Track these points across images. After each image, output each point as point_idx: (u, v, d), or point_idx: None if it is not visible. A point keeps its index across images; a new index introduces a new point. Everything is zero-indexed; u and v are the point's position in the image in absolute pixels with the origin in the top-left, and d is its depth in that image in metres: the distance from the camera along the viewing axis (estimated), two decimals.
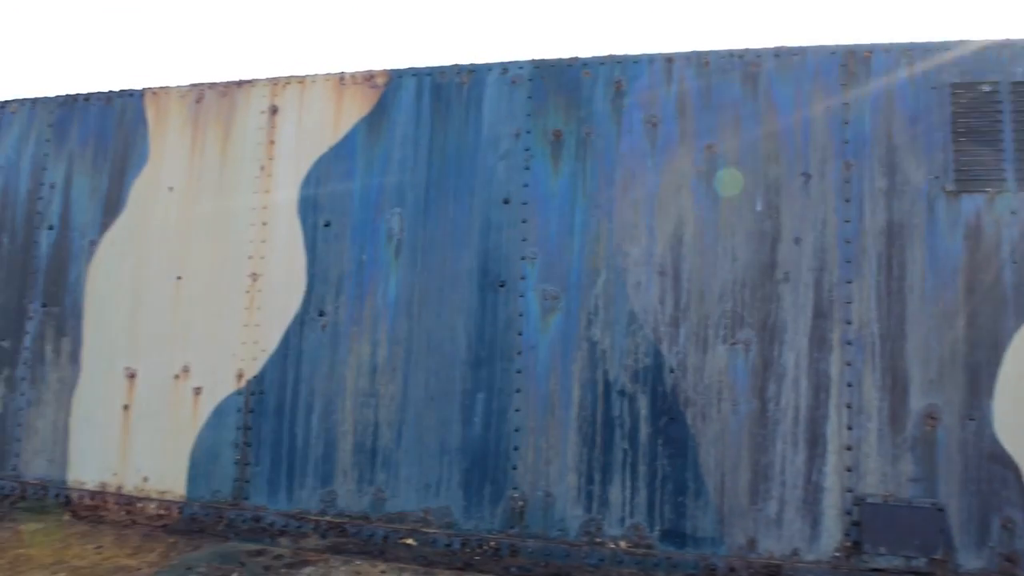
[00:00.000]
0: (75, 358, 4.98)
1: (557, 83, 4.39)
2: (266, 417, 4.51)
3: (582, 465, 4.06)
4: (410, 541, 4.21)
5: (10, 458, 5.06)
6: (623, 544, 3.97)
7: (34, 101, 5.42)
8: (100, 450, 4.83)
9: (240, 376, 4.58)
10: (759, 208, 4.02)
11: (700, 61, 4.20)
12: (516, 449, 4.13)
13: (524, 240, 4.26)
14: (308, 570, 3.97)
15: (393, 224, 4.47)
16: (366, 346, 4.40)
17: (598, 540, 4.01)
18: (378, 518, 4.27)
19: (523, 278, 4.24)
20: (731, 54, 4.19)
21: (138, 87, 5.16)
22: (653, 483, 3.98)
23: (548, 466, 4.10)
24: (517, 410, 4.15)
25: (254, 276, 4.63)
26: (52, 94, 5.41)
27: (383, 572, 3.97)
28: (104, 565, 4.10)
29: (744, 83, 4.13)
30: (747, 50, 4.18)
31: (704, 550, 3.88)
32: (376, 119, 4.61)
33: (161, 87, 5.11)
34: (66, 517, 4.71)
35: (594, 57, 4.38)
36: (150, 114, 5.08)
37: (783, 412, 3.87)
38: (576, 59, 4.39)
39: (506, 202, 4.32)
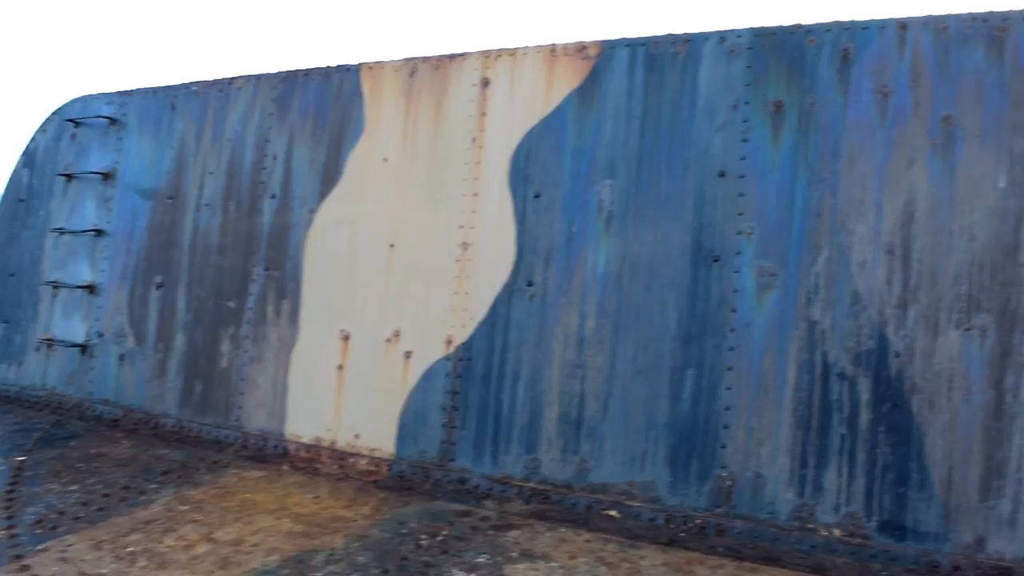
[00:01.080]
0: (294, 319, 5.77)
1: (778, 52, 4.62)
2: (473, 383, 5.07)
3: (796, 448, 4.32)
4: (613, 513, 4.64)
5: (234, 410, 5.94)
6: (837, 532, 4.20)
7: (258, 77, 6.26)
8: (315, 407, 5.59)
9: (449, 342, 5.17)
10: (1002, 184, 4.10)
11: (937, 26, 4.31)
12: (726, 428, 4.45)
13: (740, 214, 4.55)
14: (514, 534, 4.48)
15: (604, 196, 4.88)
16: (574, 318, 4.86)
17: (810, 526, 4.27)
18: (581, 488, 4.73)
19: (738, 253, 4.53)
20: (973, 18, 4.27)
21: (354, 62, 5.87)
22: (872, 471, 4.18)
23: (759, 447, 4.39)
24: (728, 388, 4.46)
25: (464, 246, 5.20)
26: (275, 71, 6.24)
27: (588, 541, 4.41)
28: (323, 514, 4.80)
29: (988, 49, 4.21)
30: (992, 13, 4.24)
31: (926, 545, 4.04)
32: (587, 91, 5.03)
33: (376, 62, 5.78)
34: (285, 467, 5.50)
35: (819, 24, 4.57)
36: (366, 88, 5.76)
37: (1023, 405, 3.96)
38: (799, 26, 4.61)
39: (722, 175, 4.62)
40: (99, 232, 6.76)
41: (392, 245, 5.33)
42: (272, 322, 5.75)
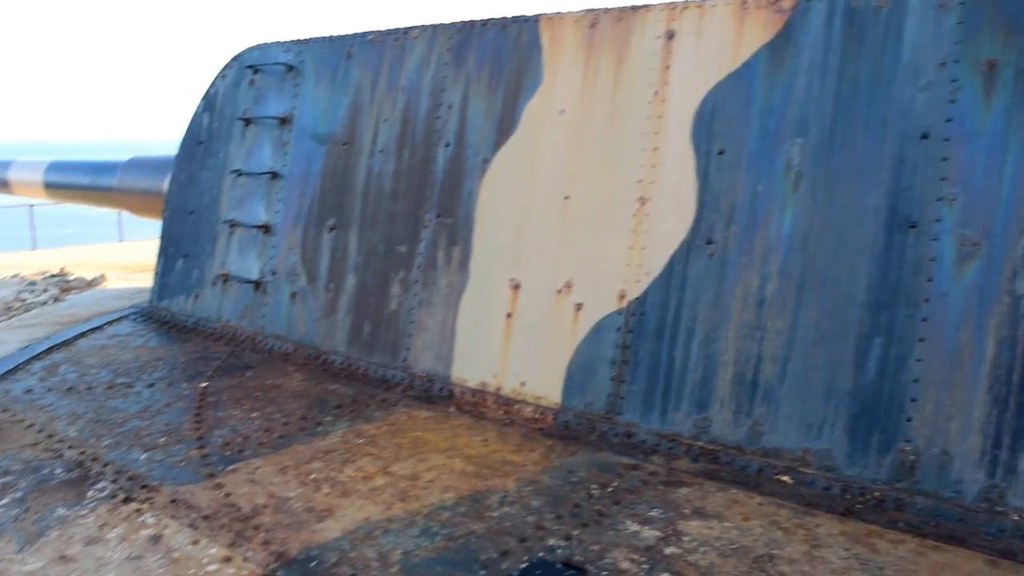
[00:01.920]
0: (464, 266, 5.90)
1: (995, 8, 4.36)
2: (645, 338, 5.09)
3: (989, 427, 4.15)
4: (786, 478, 4.59)
5: (401, 351, 6.15)
6: None
7: (434, 27, 6.35)
8: (482, 353, 5.73)
9: (622, 296, 5.18)
10: None
11: None
12: (913, 401, 4.32)
13: (943, 179, 4.36)
14: (684, 491, 4.49)
15: (793, 155, 4.76)
16: (755, 278, 4.79)
17: (999, 509, 4.11)
18: (753, 451, 4.69)
19: (938, 220, 4.35)
20: None
21: (532, 13, 5.87)
22: None
23: (949, 423, 4.24)
24: (919, 360, 4.32)
25: (642, 200, 5.18)
26: (450, 21, 6.32)
27: (760, 504, 4.38)
28: (492, 457, 4.93)
29: None
30: None
31: None
32: (780, 45, 4.89)
33: (555, 13, 5.77)
34: (451, 409, 5.67)
35: None
36: (544, 39, 5.76)
37: None
38: None
39: (924, 137, 4.42)
40: (275, 175, 7.05)
41: (567, 197, 5.36)
42: (442, 268, 5.89)
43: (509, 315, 5.55)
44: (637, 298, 5.06)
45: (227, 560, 3.73)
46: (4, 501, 4.30)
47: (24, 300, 9.47)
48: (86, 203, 12.79)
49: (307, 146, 6.84)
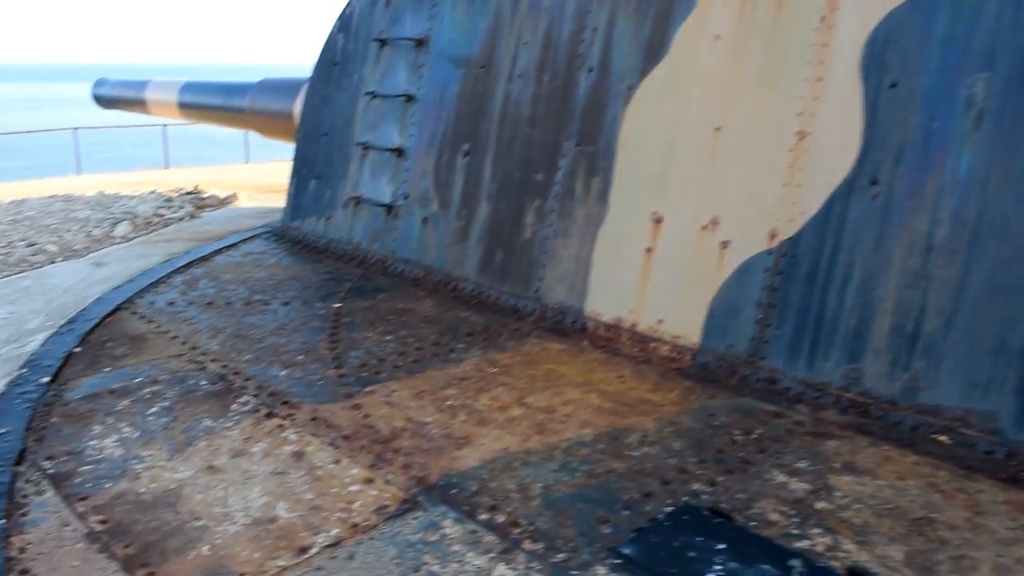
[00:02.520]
0: (603, 197, 5.71)
1: None
2: (795, 281, 4.82)
3: None
4: (943, 438, 4.30)
5: (534, 281, 6.05)
6: None
7: None
8: (619, 287, 5.57)
9: (772, 236, 4.91)
10: None
11: None
12: None
13: None
14: (832, 443, 4.26)
15: (976, 91, 4.34)
16: (923, 224, 4.44)
17: None
18: (908, 407, 4.41)
19: None
20: None
21: None
22: None
23: None
24: None
25: (801, 134, 4.85)
26: None
27: (915, 464, 4.12)
28: (629, 395, 4.80)
29: None
30: None
31: None
32: None
33: None
34: (585, 343, 5.56)
35: None
36: None
37: None
38: None
39: None
40: (409, 98, 6.97)
41: (718, 128, 5.08)
42: (580, 198, 5.73)
43: (649, 250, 5.36)
44: (790, 238, 4.79)
45: (368, 482, 3.75)
46: (154, 410, 4.43)
47: (162, 216, 9.80)
48: (217, 124, 13.08)
49: (443, 69, 6.72)
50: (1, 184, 17.12)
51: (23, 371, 4.90)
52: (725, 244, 5.03)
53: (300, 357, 5.15)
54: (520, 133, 6.14)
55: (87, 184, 15.34)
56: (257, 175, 16.52)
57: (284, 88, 10.75)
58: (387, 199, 7.05)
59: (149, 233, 8.98)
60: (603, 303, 5.58)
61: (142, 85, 14.12)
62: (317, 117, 7.95)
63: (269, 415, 4.37)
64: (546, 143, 5.99)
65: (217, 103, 12.31)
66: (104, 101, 15.29)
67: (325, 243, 7.60)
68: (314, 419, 4.33)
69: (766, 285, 4.85)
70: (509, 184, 6.17)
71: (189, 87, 13.11)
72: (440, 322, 5.80)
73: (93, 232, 9.02)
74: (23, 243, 8.61)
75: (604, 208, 5.63)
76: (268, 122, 11.19)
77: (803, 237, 4.75)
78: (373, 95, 7.28)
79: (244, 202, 11.08)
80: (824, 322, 4.65)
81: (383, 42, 7.25)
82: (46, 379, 4.77)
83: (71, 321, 5.71)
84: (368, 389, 4.72)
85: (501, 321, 5.81)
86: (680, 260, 5.22)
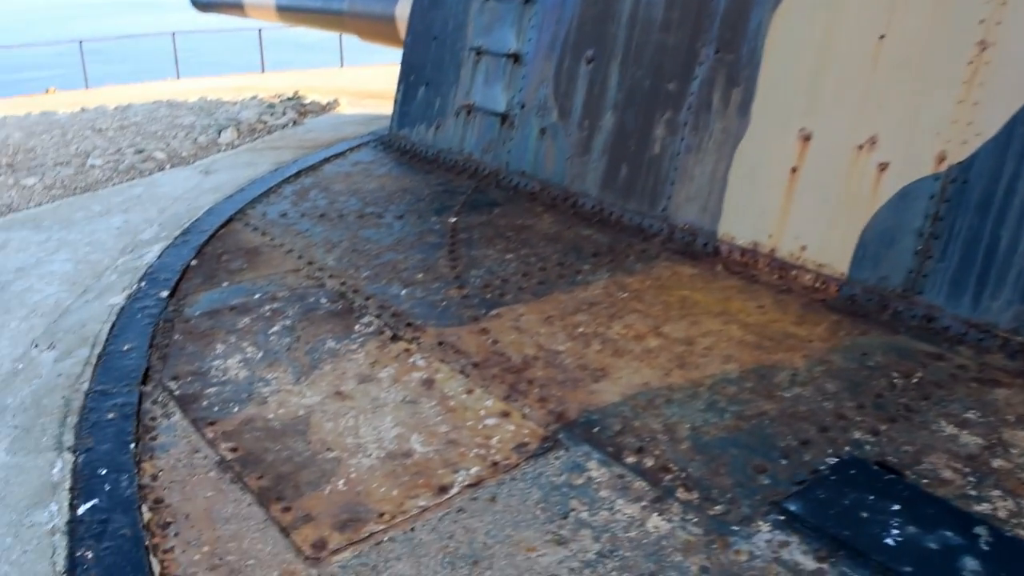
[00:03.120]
0: (744, 110, 5.23)
1: None
2: (965, 210, 4.32)
3: None
4: None
5: (661, 200, 5.66)
6: None
7: None
8: (757, 209, 5.14)
9: (940, 159, 4.40)
10: None
11: None
12: None
13: None
14: (1002, 392, 3.84)
15: None
16: None
17: None
18: None
19: None
20: None
21: None
22: None
23: None
24: None
25: (982, 45, 4.27)
26: None
27: None
28: (772, 327, 4.43)
29: None
30: None
31: None
32: None
33: None
34: (718, 268, 5.19)
35: None
36: None
37: None
38: None
39: None
40: (527, 0, 6.52)
41: (882, 36, 4.53)
42: (717, 111, 5.27)
43: (794, 169, 4.91)
44: (961, 162, 4.29)
45: (505, 415, 3.53)
46: (275, 329, 4.28)
47: (265, 122, 9.64)
48: (315, 27, 12.77)
49: None
50: (107, 88, 17.28)
51: (142, 284, 4.82)
52: (883, 166, 4.55)
53: (420, 275, 4.93)
54: (651, 39, 5.66)
55: (187, 89, 15.32)
56: (354, 80, 16.25)
57: None
58: (501, 108, 6.69)
59: (254, 140, 8.83)
60: (739, 225, 5.18)
61: None
62: (426, 20, 7.56)
63: (394, 338, 4.18)
64: (680, 50, 5.51)
65: (316, 6, 11.97)
66: (202, 5, 15.11)
67: (434, 153, 7.31)
68: (441, 343, 4.12)
69: (930, 213, 4.38)
70: (637, 94, 5.73)
71: None
72: (562, 240, 5.50)
73: (199, 139, 8.92)
74: (132, 150, 8.56)
75: (744, 122, 5.17)
76: (368, 25, 10.84)
77: (977, 162, 4.24)
78: None
79: (345, 108, 10.83)
80: (995, 257, 4.18)
81: None
82: (165, 293, 4.67)
83: (185, 232, 5.60)
84: (494, 312, 4.48)
85: (626, 241, 5.47)
86: (830, 182, 4.76)
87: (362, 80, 16.31)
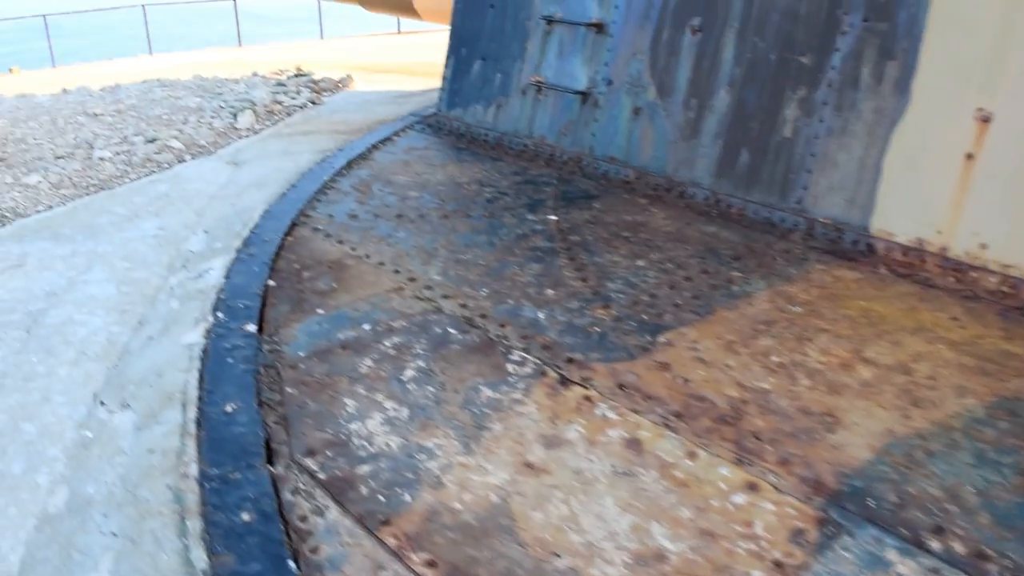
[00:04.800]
0: (902, 87, 4.39)
1: None
2: None
3: None
4: None
5: (795, 190, 4.81)
6: None
7: None
8: (922, 200, 4.33)
9: None
10: None
11: None
12: None
13: None
14: None
15: None
16: None
17: None
18: None
19: None
20: None
21: None
22: None
23: None
24: None
25: None
26: None
27: None
28: (983, 346, 3.63)
29: None
30: None
31: None
32: None
33: None
34: (882, 270, 4.37)
35: None
36: None
37: None
38: None
39: None
40: None
41: None
42: (867, 88, 4.42)
43: (970, 156, 4.10)
44: None
45: (752, 488, 2.70)
46: (409, 373, 3.36)
47: (282, 103, 8.53)
48: None
49: None
50: (76, 67, 15.78)
51: (218, 315, 3.83)
52: None
53: (549, 291, 4.03)
54: (776, 4, 4.77)
55: (168, 66, 13.99)
56: (346, 53, 15.02)
57: None
58: (582, 85, 5.75)
59: (276, 124, 7.74)
60: (898, 220, 4.37)
61: None
62: None
63: (563, 381, 3.29)
64: (816, 18, 4.63)
65: None
66: None
67: (496, 136, 6.34)
68: (621, 386, 3.25)
69: None
70: (759, 68, 4.84)
71: None
72: (688, 240, 4.63)
73: (214, 124, 7.78)
74: (140, 138, 7.41)
75: (903, 101, 4.32)
76: None
77: None
78: None
79: (360, 85, 9.74)
80: None
81: None
82: (251, 327, 3.70)
83: (247, 244, 4.60)
84: (662, 338, 3.61)
85: (761, 239, 4.63)
86: (1018, 170, 3.95)
87: (354, 52, 15.09)
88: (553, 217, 4.98)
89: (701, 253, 4.51)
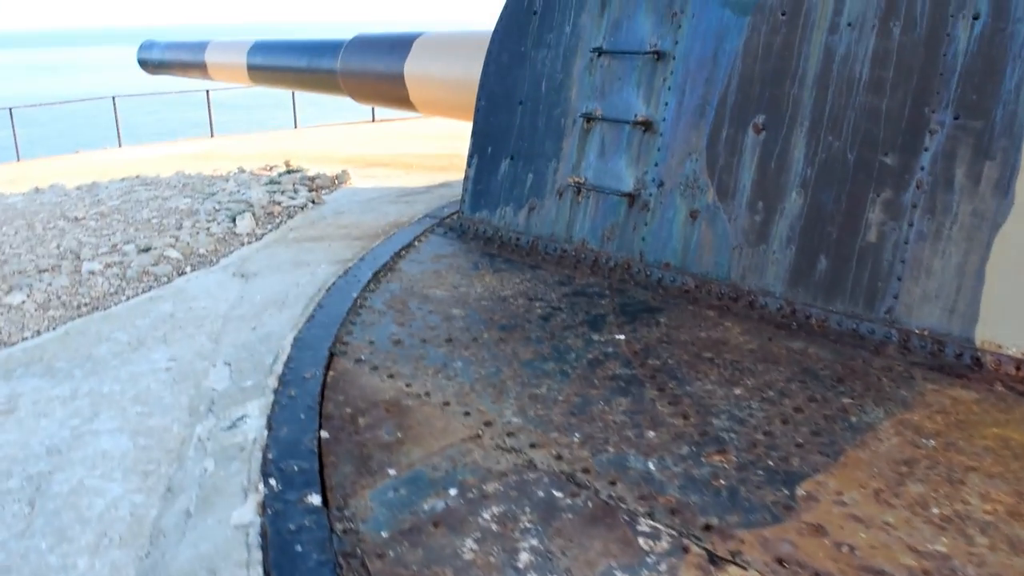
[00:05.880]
0: (1004, 188, 4.01)
1: None
2: None
3: None
4: None
5: (884, 299, 4.37)
6: None
7: None
8: None
9: None
10: None
11: None
12: None
13: None
14: None
15: None
16: None
17: None
18: None
19: None
20: None
21: None
22: None
23: None
24: None
25: None
26: None
27: None
28: None
29: None
30: None
31: None
32: None
33: None
34: (998, 388, 3.91)
35: None
36: None
37: None
38: None
39: None
40: (660, 55, 5.18)
41: None
42: (963, 189, 4.04)
43: None
44: None
45: None
46: (524, 557, 2.81)
47: (279, 203, 7.95)
48: (298, 88, 11.19)
49: (716, 15, 4.93)
50: (42, 160, 15.05)
51: (272, 483, 3.17)
52: None
53: (650, 433, 3.48)
54: (853, 102, 4.40)
55: (143, 160, 13.38)
56: (326, 143, 14.55)
57: (389, 45, 8.91)
58: (628, 186, 5.30)
59: (278, 227, 7.16)
60: (1007, 330, 3.96)
61: (200, 47, 12.12)
62: (508, 80, 6.12)
63: (711, 559, 2.71)
64: (899, 115, 4.26)
65: (299, 65, 10.40)
66: (152, 66, 13.26)
67: (530, 241, 5.84)
68: (780, 560, 2.70)
69: None
70: (836, 168, 4.44)
71: (260, 47, 11.16)
72: (779, 360, 4.13)
73: (211, 228, 7.17)
74: (132, 246, 6.76)
75: (1006, 203, 3.95)
76: (369, 85, 9.36)
77: None
78: (600, 51, 5.47)
79: (357, 181, 9.24)
80: None
81: None
82: (316, 499, 3.06)
83: (284, 383, 3.97)
84: (800, 491, 3.08)
85: (856, 355, 4.16)
86: None
87: (334, 143, 14.62)
88: (621, 336, 4.45)
89: (798, 376, 4.01)
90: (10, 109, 16.20)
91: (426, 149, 12.31)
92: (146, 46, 13.28)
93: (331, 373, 4.15)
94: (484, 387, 3.96)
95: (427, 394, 3.91)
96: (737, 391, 3.89)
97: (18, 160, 15.51)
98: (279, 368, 4.25)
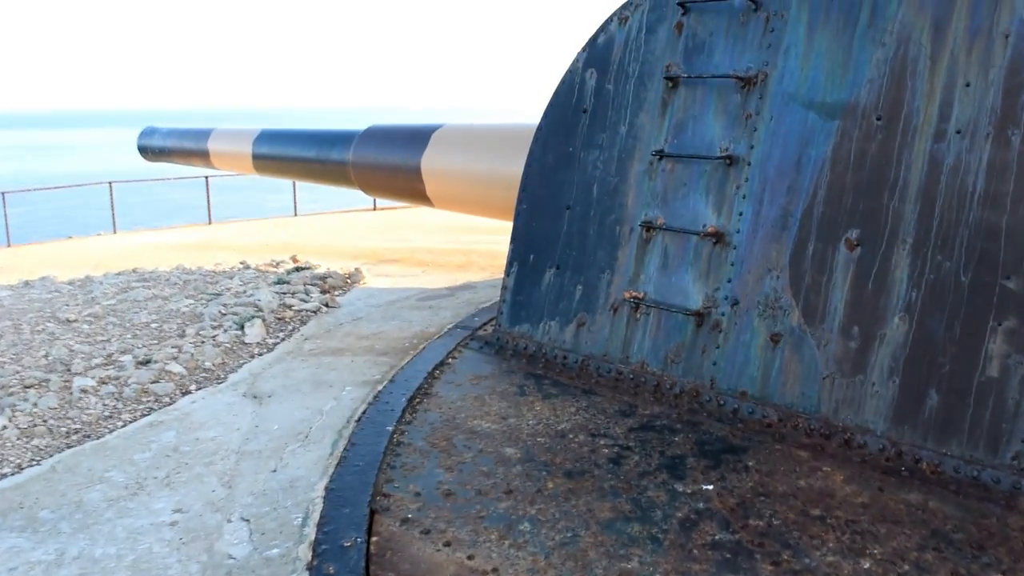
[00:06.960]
0: None
1: None
2: None
3: None
4: None
5: (1011, 442, 3.77)
6: None
7: None
8: None
9: None
10: None
11: None
12: None
13: None
14: None
15: None
16: None
17: None
18: None
19: None
20: None
21: None
22: None
23: None
24: None
25: None
26: None
27: None
28: None
29: None
30: None
31: None
32: None
33: None
34: None
35: None
36: None
37: None
38: None
39: None
40: (732, 160, 4.68)
41: None
42: None
43: None
44: None
45: None
46: None
47: (291, 306, 7.34)
48: (305, 179, 10.71)
49: (798, 118, 4.46)
50: (33, 246, 14.44)
51: None
52: None
53: None
54: (967, 217, 3.89)
55: (138, 248, 12.80)
56: (329, 233, 14.04)
57: (406, 137, 8.49)
58: (696, 304, 4.74)
59: (291, 335, 6.53)
60: None
61: (203, 135, 11.70)
62: (552, 183, 5.62)
63: None
64: (1020, 233, 3.72)
65: (308, 155, 9.96)
66: (152, 153, 12.81)
67: (579, 360, 5.23)
68: None
69: None
70: (947, 291, 3.90)
71: (267, 136, 10.74)
72: (898, 519, 3.53)
73: (217, 337, 6.52)
74: (129, 358, 6.10)
75: None
76: (383, 178, 8.91)
77: None
78: (662, 154, 4.97)
79: (371, 280, 8.67)
80: None
81: (674, 81, 4.94)
82: None
83: (319, 553, 3.30)
84: None
85: (988, 512, 3.57)
86: None
87: (338, 233, 14.10)
88: (709, 487, 3.81)
89: (929, 541, 3.39)
90: (2, 193, 15.65)
91: (437, 243, 11.78)
92: (147, 132, 12.86)
93: (375, 539, 3.48)
94: (563, 559, 3.30)
95: (495, 570, 3.23)
96: (866, 564, 3.25)
97: (8, 245, 14.89)
98: (310, 531, 3.57)
